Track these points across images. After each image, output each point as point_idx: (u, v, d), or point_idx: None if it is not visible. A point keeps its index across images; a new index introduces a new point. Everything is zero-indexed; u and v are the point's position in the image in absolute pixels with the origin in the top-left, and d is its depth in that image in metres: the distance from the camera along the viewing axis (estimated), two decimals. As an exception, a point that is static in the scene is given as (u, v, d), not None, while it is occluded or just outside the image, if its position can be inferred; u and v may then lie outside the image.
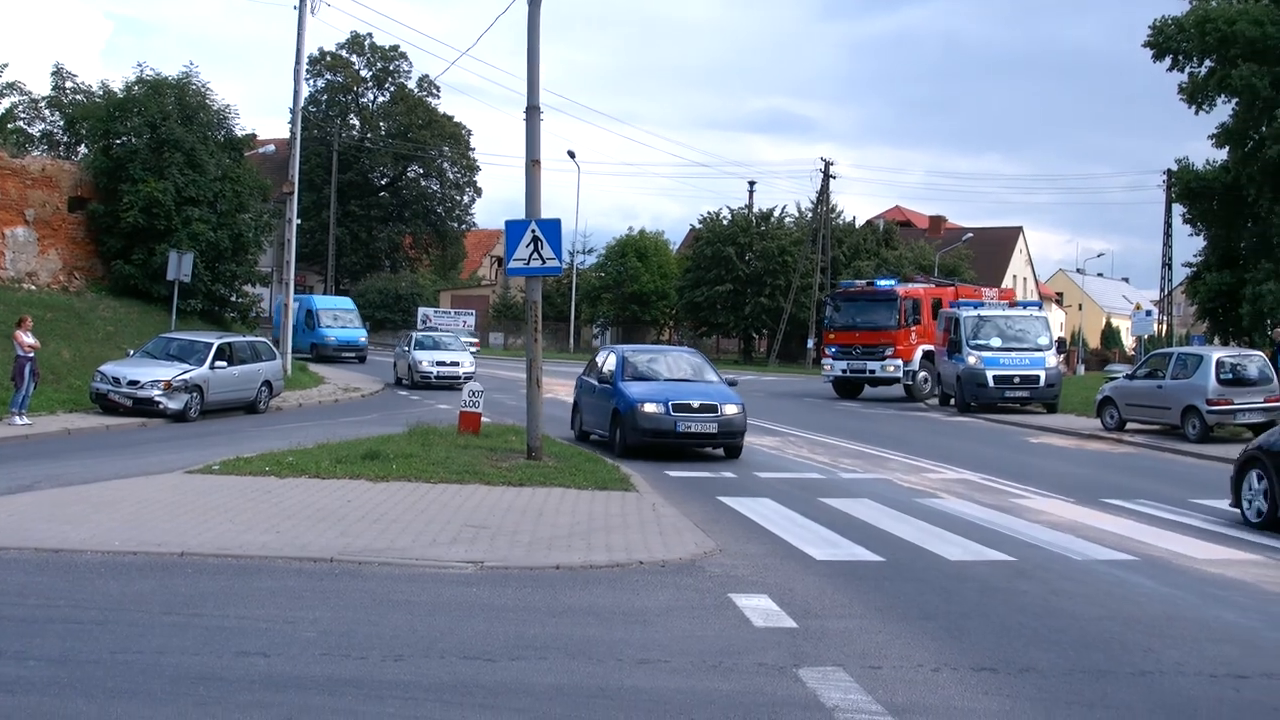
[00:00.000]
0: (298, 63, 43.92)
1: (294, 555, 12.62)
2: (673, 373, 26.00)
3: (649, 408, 23.64)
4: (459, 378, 44.60)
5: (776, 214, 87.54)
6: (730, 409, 23.93)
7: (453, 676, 8.74)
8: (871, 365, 46.18)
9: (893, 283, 50.11)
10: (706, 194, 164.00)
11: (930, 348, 45.66)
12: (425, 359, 46.15)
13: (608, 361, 26.57)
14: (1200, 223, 66.87)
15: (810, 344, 76.83)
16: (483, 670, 8.92)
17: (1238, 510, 18.01)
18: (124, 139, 44.60)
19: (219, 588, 11.31)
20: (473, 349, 58.93)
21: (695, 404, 23.79)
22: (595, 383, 26.50)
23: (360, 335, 65.05)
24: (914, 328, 45.93)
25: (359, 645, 9.44)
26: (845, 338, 47.11)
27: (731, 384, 25.69)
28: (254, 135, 53.57)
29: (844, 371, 47.38)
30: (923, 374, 45.96)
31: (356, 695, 8.26)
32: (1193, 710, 8.60)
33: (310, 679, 8.57)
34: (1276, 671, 9.65)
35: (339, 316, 65.52)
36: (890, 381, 46.78)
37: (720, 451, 24.68)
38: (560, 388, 42.03)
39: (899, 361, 45.55)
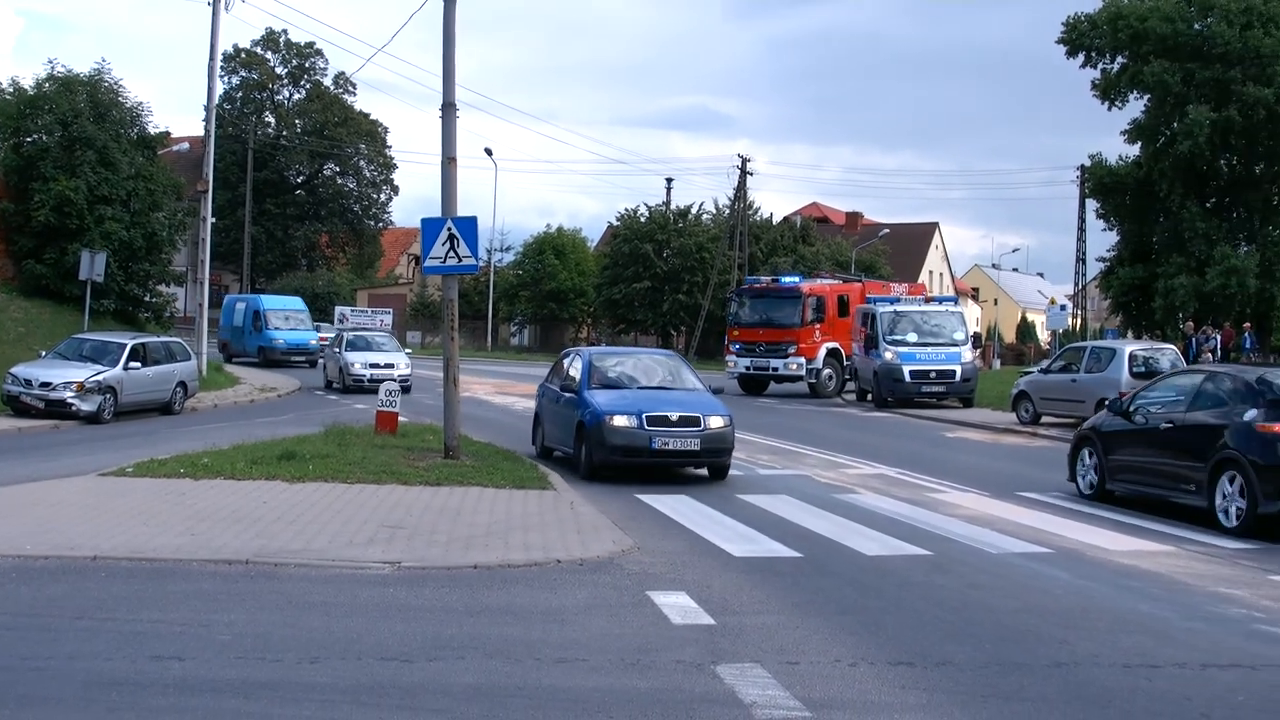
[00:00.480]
0: (211, 60, 43.46)
1: (209, 558, 12.50)
2: (649, 378, 22.53)
3: (619, 421, 20.16)
4: (395, 380, 41.60)
5: (694, 211, 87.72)
6: (716, 421, 20.54)
7: (370, 678, 8.70)
8: (774, 363, 45.74)
9: (797, 280, 49.82)
10: (624, 191, 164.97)
11: (835, 345, 45.61)
12: (358, 360, 43.01)
13: (573, 366, 23.05)
14: (1113, 218, 67.57)
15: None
16: (400, 671, 8.88)
17: (1073, 484, 20.10)
18: (35, 137, 44.02)
19: (132, 591, 11.20)
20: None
21: (674, 416, 20.29)
22: (558, 391, 22.98)
23: (311, 338, 60.32)
24: (818, 325, 45.47)
25: (274, 648, 9.37)
26: (749, 335, 46.76)
27: (716, 391, 23.06)
28: (168, 133, 52.95)
29: (747, 369, 46.90)
30: (827, 371, 45.74)
31: (272, 698, 8.20)
32: (1107, 700, 8.69)
33: (225, 683, 8.50)
34: (1188, 661, 9.76)
35: (290, 317, 60.85)
36: (793, 379, 46.36)
37: (703, 472, 21.47)
38: (478, 386, 42.02)
39: (802, 359, 45.10)
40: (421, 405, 34.11)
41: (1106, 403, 22.27)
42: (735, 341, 47.36)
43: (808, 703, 8.33)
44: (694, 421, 20.32)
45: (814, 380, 45.76)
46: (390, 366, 42.10)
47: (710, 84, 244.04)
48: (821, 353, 45.43)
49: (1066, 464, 20.59)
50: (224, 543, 13.18)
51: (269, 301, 62.56)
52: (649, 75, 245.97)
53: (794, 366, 45.38)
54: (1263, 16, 58.64)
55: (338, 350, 44.86)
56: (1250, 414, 16.55)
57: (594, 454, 20.46)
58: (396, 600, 11.13)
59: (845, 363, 45.73)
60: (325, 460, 19.56)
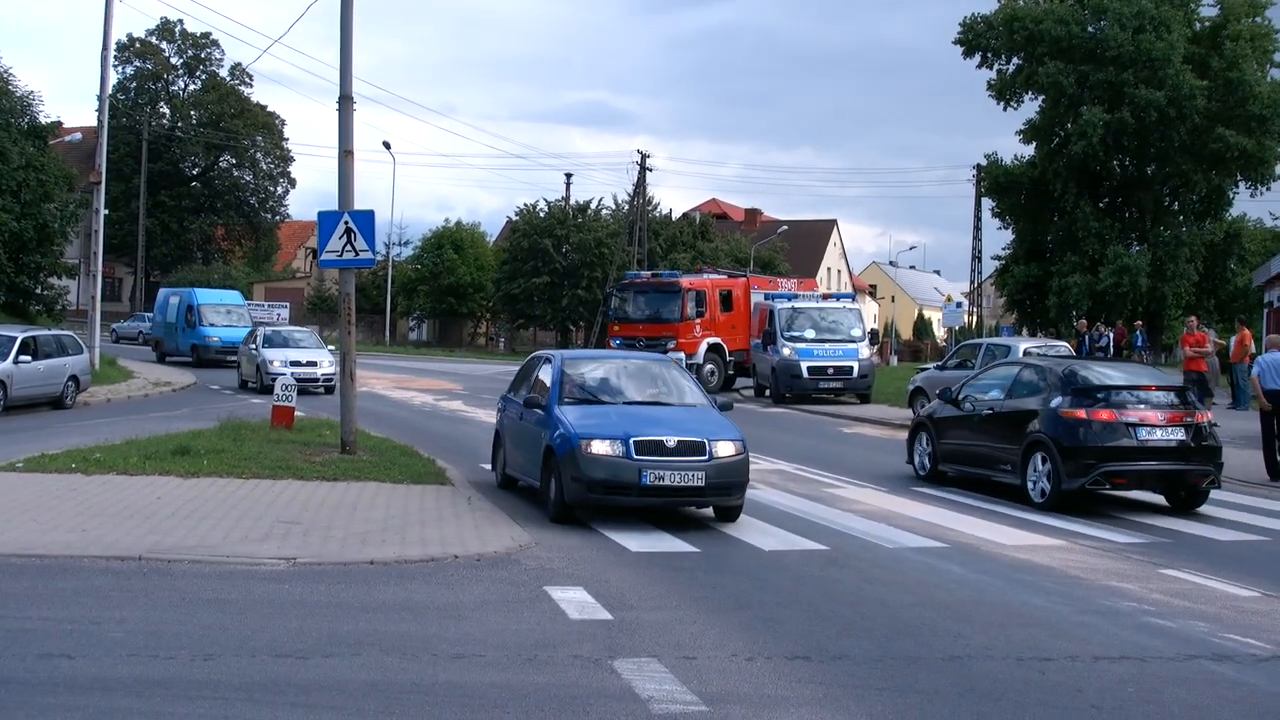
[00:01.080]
0: (105, 49, 42.85)
1: (100, 554, 12.34)
2: (638, 392, 17.72)
3: (599, 448, 15.45)
4: (317, 380, 38.95)
5: (594, 206, 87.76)
6: (726, 448, 15.80)
7: (264, 675, 8.64)
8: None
9: (677, 274, 49.34)
10: (523, 186, 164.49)
11: (717, 340, 44.91)
12: (277, 358, 39.31)
13: (541, 373, 18.42)
14: (1008, 216, 68.46)
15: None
16: (295, 668, 8.82)
17: (910, 467, 22.11)
18: (-81, 126, 43.32)
19: (21, 589, 11.03)
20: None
21: (670, 441, 15.60)
22: (522, 405, 18.31)
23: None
24: (698, 320, 44.51)
25: (167, 645, 9.27)
26: (629, 330, 45.67)
27: (724, 408, 18.10)
28: (59, 123, 52.58)
29: None
30: (709, 366, 44.42)
31: (165, 696, 8.12)
32: (1000, 693, 8.80)
33: (117, 680, 8.40)
34: (1080, 654, 9.89)
35: (230, 312, 55.39)
36: None
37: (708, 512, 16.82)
38: (375, 381, 41.82)
39: (681, 355, 42.79)
40: (318, 400, 33.88)
41: (938, 392, 23.82)
42: (616, 337, 46.53)
43: (704, 697, 8.36)
44: (697, 448, 15.64)
45: (695, 375, 44.88)
46: (313, 364, 39.55)
47: (610, 80, 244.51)
48: (702, 348, 44.40)
49: (905, 449, 22.61)
50: (116, 539, 13.02)
51: (203, 295, 56.89)
52: (549, 70, 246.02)
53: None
54: (1154, 20, 59.60)
55: (254, 347, 41.50)
56: (1057, 401, 18.44)
57: (567, 490, 15.71)
58: (292, 596, 11.05)
59: (729, 358, 45.26)
60: (220, 455, 19.37)
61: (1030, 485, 18.49)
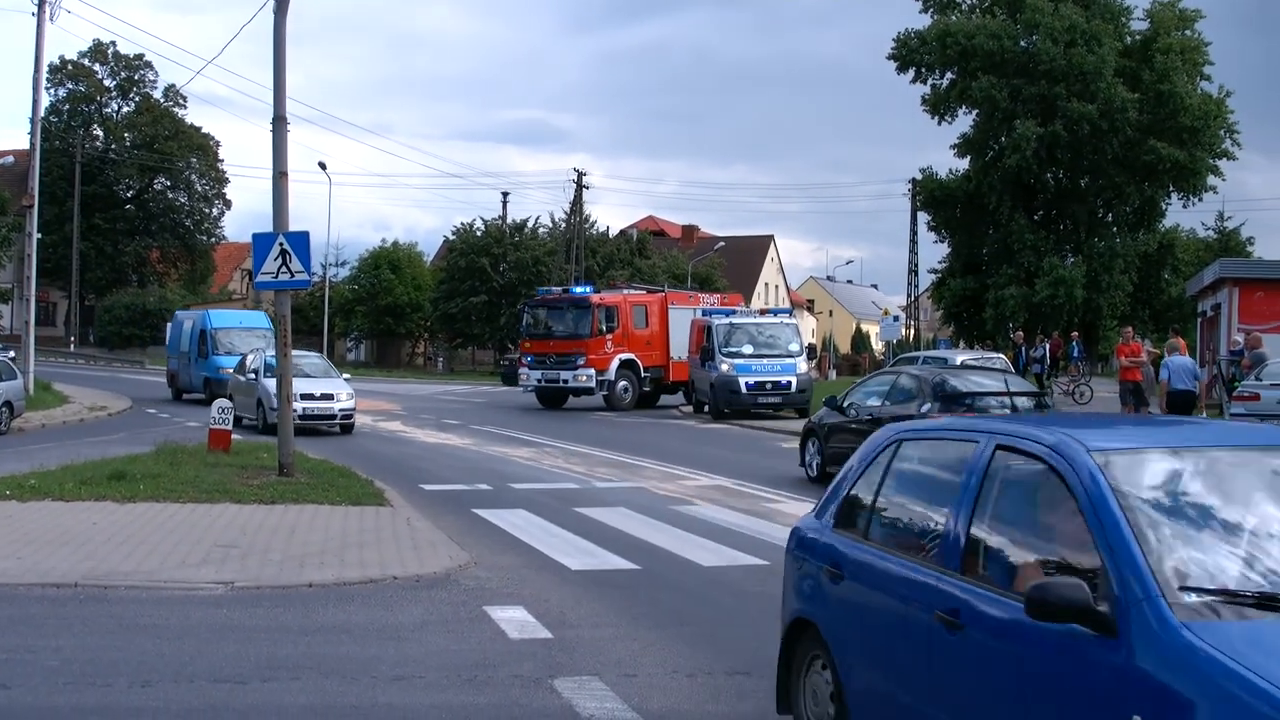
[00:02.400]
0: (37, 71, 42.56)
1: (36, 581, 12.22)
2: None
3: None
4: (334, 416, 32.95)
5: (531, 225, 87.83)
6: None
7: (203, 700, 8.59)
8: (564, 374, 44.59)
9: (588, 289, 49.30)
10: (460, 205, 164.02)
11: (630, 356, 44.98)
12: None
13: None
14: (944, 230, 69.04)
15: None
16: (234, 693, 8.78)
17: (803, 470, 23.75)
18: None
19: (-45, 618, 10.92)
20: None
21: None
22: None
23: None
24: (609, 335, 44.36)
25: (104, 672, 9.20)
26: (540, 346, 45.71)
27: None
28: (-9, 146, 51.91)
29: (540, 381, 45.65)
30: (622, 384, 44.77)
31: (101, 724, 8.06)
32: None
33: (53, 710, 8.35)
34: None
35: (255, 336, 46.35)
36: (585, 391, 45.13)
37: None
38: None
39: (591, 371, 43.94)
40: (255, 423, 33.69)
41: (824, 400, 25.01)
42: (528, 354, 46.44)
43: (645, 714, 8.38)
44: None
45: (608, 392, 44.80)
46: (328, 398, 33.10)
47: (546, 99, 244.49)
48: (614, 364, 44.44)
49: (798, 454, 24.32)
50: (52, 565, 12.90)
51: (219, 319, 49.14)
52: (484, 89, 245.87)
53: (583, 378, 44.25)
54: (1085, 35, 60.28)
55: (251, 377, 34.71)
56: (925, 407, 20.22)
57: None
58: (230, 621, 10.99)
59: (645, 374, 45.36)
60: (157, 480, 19.21)
61: None
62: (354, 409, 33.54)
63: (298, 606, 11.61)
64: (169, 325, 53.33)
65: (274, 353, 30.64)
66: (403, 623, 11.07)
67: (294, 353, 41.39)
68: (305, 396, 30.81)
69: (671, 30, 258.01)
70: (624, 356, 44.84)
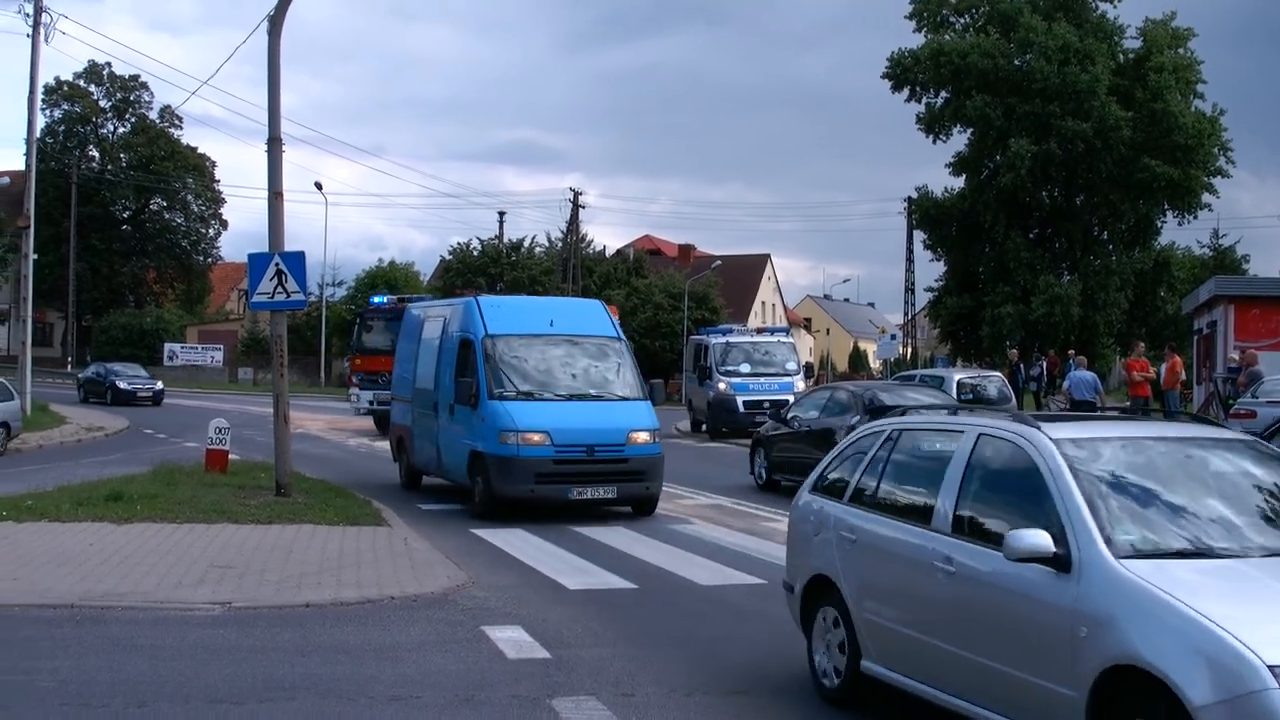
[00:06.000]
0: (31, 92, 42.53)
1: (32, 603, 12.19)
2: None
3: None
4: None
5: (527, 244, 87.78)
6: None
7: (199, 721, 8.56)
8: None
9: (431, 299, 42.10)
10: (456, 225, 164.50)
11: None
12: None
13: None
14: (940, 248, 69.14)
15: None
16: (230, 714, 8.78)
17: (752, 478, 25.63)
18: None
19: (-49, 639, 10.90)
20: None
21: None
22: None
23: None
24: None
25: (100, 694, 9.18)
26: (372, 363, 39.81)
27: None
28: (-13, 168, 51.96)
29: (371, 403, 39.51)
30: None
31: (97, 745, 8.04)
32: None
33: (48, 730, 8.32)
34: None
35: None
36: None
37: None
38: (310, 422, 41.50)
39: None
40: (253, 443, 33.64)
41: (769, 414, 27.77)
42: (358, 371, 41.13)
43: (642, 734, 8.36)
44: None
45: None
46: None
47: (540, 119, 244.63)
48: None
49: (748, 463, 26.25)
50: (48, 586, 12.87)
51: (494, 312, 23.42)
52: (479, 110, 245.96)
53: None
54: (1079, 53, 60.39)
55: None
56: (855, 419, 21.50)
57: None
58: (227, 641, 10.97)
59: None
60: (153, 500, 19.18)
61: None
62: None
63: (295, 627, 11.59)
64: (402, 329, 27.41)
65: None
66: (400, 643, 11.05)
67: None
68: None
69: (664, 50, 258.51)
70: None
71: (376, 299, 45.31)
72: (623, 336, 22.27)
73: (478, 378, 20.14)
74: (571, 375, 20.89)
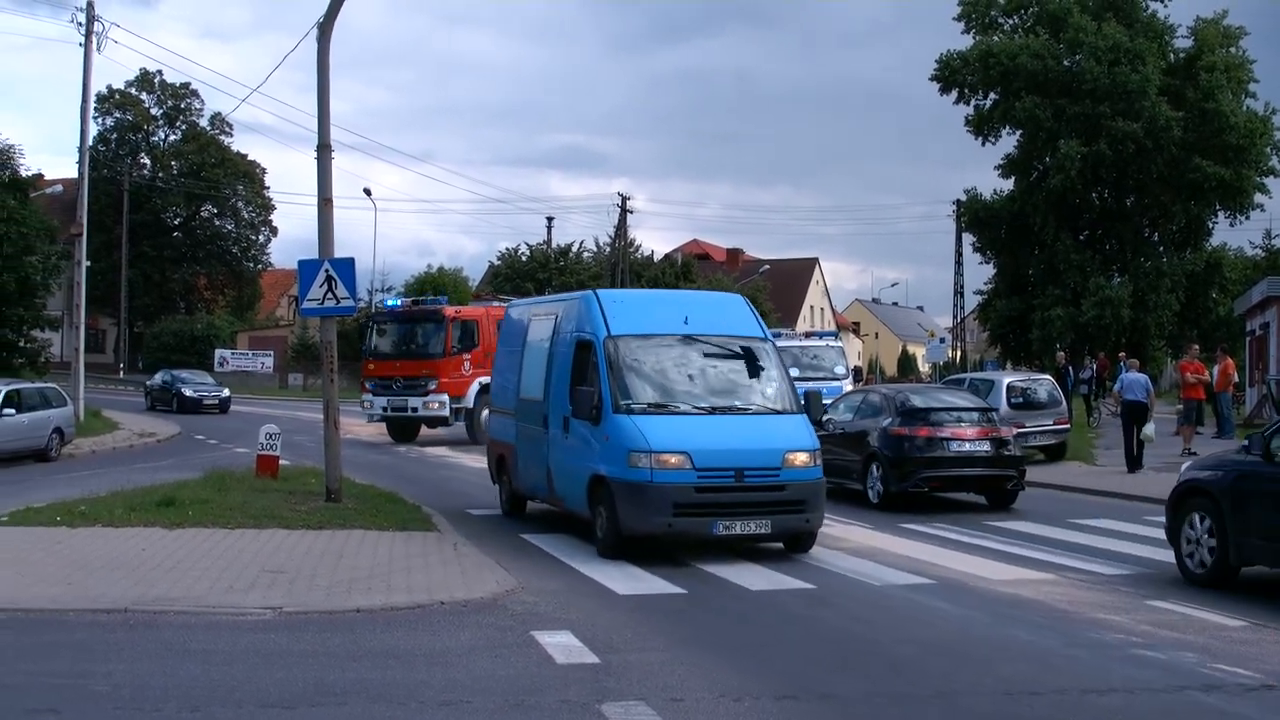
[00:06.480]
0: (84, 101, 42.93)
1: (86, 607, 12.28)
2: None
3: None
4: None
5: (575, 249, 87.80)
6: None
7: (251, 726, 8.60)
8: (413, 401, 37.85)
9: (442, 301, 42.94)
10: (504, 230, 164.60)
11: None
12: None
13: None
14: (989, 251, 68.83)
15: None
16: (281, 718, 8.82)
17: None
18: (-99, 181, 43.48)
19: (6, 643, 10.97)
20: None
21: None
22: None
23: None
24: (467, 355, 38.09)
25: (154, 698, 9.23)
26: (385, 368, 39.07)
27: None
28: (40, 175, 52.72)
29: (385, 410, 38.99)
30: (486, 411, 32.75)
31: (151, 749, 8.08)
32: (987, 729, 8.79)
33: (102, 734, 8.37)
34: (1068, 687, 9.89)
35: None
36: (439, 421, 38.71)
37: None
38: (359, 428, 41.56)
39: (444, 397, 37.64)
40: (303, 448, 33.79)
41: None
42: (370, 377, 39.64)
43: (692, 739, 8.35)
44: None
45: (467, 422, 38.31)
46: None
47: (588, 123, 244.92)
48: (473, 389, 37.61)
49: None
50: (102, 591, 12.96)
51: (618, 308, 18.55)
52: (527, 115, 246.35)
53: (435, 405, 37.76)
54: (1129, 53, 59.99)
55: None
56: (887, 421, 22.91)
57: None
58: (278, 646, 11.01)
59: None
60: (205, 505, 19.27)
61: (869, 490, 22.97)
62: None
63: (345, 632, 11.63)
64: (500, 333, 24.36)
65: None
66: (450, 648, 11.07)
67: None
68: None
69: (711, 53, 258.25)
70: (485, 379, 34.88)
71: (389, 302, 44.75)
72: (770, 337, 18.71)
73: (600, 387, 16.90)
74: (713, 384, 17.47)
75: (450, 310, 39.59)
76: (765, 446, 16.51)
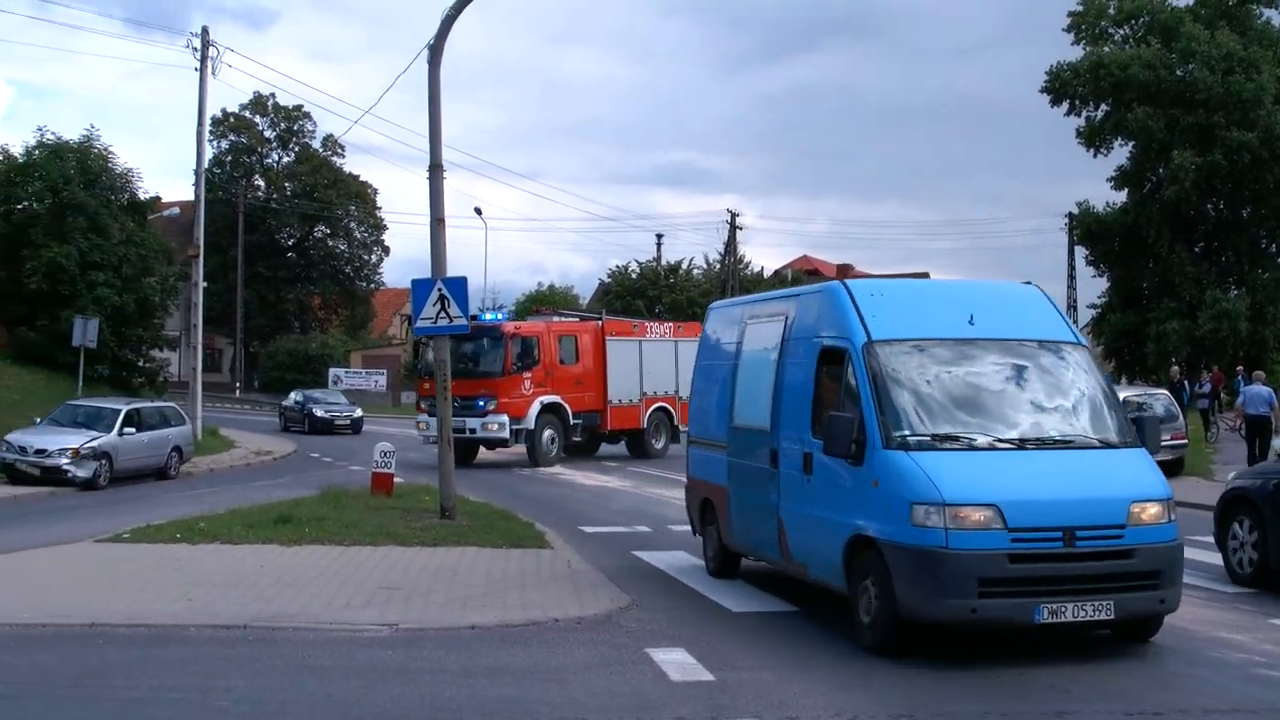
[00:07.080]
0: (200, 124, 43.66)
1: (206, 623, 12.48)
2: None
3: None
4: None
5: (685, 266, 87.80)
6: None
7: (369, 741, 8.68)
8: (471, 422, 35.45)
9: (501, 317, 40.36)
10: (613, 248, 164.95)
11: (555, 399, 37.23)
12: None
13: None
14: (1102, 264, 67.96)
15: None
16: (399, 734, 8.87)
17: None
18: (25, 204, 44.42)
19: (130, 658, 11.17)
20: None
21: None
22: None
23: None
24: (527, 374, 36.61)
25: (272, 712, 9.36)
26: None
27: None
28: (158, 198, 53.35)
29: None
30: (548, 433, 37.09)
31: (271, 764, 8.19)
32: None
33: (224, 749, 8.48)
34: (1189, 707, 9.80)
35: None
36: (498, 442, 37.06)
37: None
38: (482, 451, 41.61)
39: (504, 418, 35.89)
40: (416, 466, 34.04)
41: None
42: (427, 397, 36.20)
43: (808, 757, 8.33)
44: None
45: (528, 444, 36.96)
46: None
47: (695, 140, 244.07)
48: (534, 409, 36.58)
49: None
50: (221, 608, 13.16)
51: (876, 305, 13.49)
52: (634, 132, 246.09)
53: (494, 427, 36.05)
54: (1244, 62, 59.05)
55: None
56: None
57: None
58: (394, 662, 11.11)
59: (575, 420, 37.85)
60: (321, 523, 19.49)
61: None
62: None
63: (460, 648, 11.70)
64: (700, 342, 18.97)
65: None
66: (564, 665, 11.10)
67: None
68: None
69: (817, 69, 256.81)
70: (547, 399, 36.80)
71: (484, 315, 40.48)
72: (1083, 341, 14.22)
73: (861, 410, 12.22)
74: (1017, 407, 12.72)
75: (509, 326, 38.19)
76: (1103, 495, 11.84)
